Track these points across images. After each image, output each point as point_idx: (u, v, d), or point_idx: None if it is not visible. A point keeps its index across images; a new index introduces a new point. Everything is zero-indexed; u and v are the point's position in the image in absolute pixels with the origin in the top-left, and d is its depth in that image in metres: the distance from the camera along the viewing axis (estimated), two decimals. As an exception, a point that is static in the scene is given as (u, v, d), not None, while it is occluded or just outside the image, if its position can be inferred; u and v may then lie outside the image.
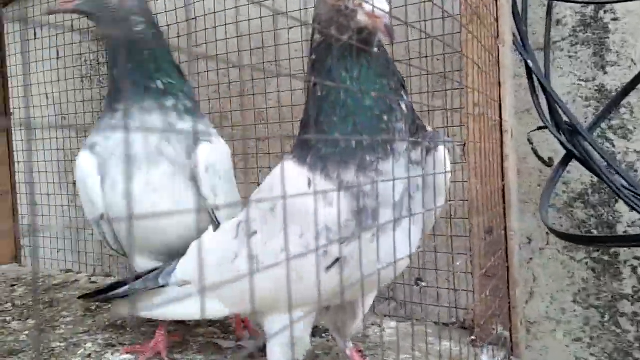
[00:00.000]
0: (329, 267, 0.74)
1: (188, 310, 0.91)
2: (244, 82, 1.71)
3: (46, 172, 2.21)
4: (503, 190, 1.02)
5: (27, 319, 1.28)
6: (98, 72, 2.19)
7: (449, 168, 0.84)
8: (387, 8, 0.67)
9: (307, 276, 0.70)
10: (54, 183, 2.20)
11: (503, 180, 1.02)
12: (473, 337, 1.06)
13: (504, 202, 1.03)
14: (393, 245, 0.70)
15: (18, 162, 2.24)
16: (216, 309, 0.87)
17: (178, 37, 1.80)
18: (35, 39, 2.19)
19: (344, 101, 0.74)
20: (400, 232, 0.74)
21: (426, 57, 1.25)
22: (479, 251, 1.02)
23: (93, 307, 1.36)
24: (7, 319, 1.29)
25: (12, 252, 2.19)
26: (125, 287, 1.04)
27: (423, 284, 1.34)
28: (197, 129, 1.12)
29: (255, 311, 0.85)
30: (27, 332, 1.18)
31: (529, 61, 1.31)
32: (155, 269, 1.01)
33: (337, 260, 0.74)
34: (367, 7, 0.67)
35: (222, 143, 1.14)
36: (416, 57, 1.35)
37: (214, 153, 1.07)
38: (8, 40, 2.23)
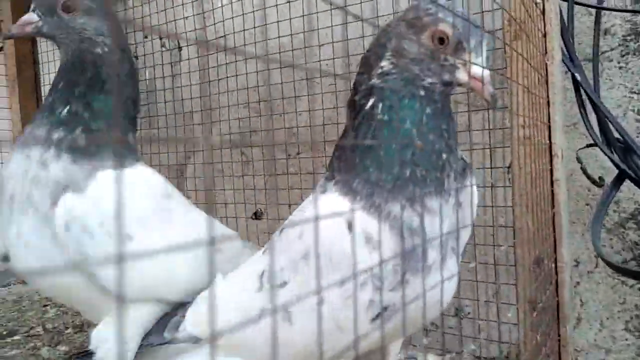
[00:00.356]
0: (374, 319, 0.67)
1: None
2: (272, 100, 1.68)
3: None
4: (553, 219, 0.94)
5: (58, 345, 1.27)
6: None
7: (475, 202, 0.79)
8: (489, 73, 0.69)
9: (348, 327, 0.64)
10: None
11: (553, 207, 0.94)
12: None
13: (554, 231, 0.95)
14: (441, 287, 0.64)
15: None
16: None
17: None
18: (67, 57, 2.22)
19: (409, 130, 0.70)
20: (445, 272, 0.68)
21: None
22: (525, 282, 0.95)
23: (122, 333, 1.34)
24: (38, 344, 1.28)
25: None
26: None
27: (463, 314, 1.27)
28: (60, 175, 0.88)
29: None
30: (56, 360, 1.17)
31: (576, 74, 1.23)
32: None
33: (385, 309, 0.68)
34: (475, 70, 0.68)
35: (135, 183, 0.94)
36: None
37: (83, 205, 0.86)
38: (41, 59, 2.26)
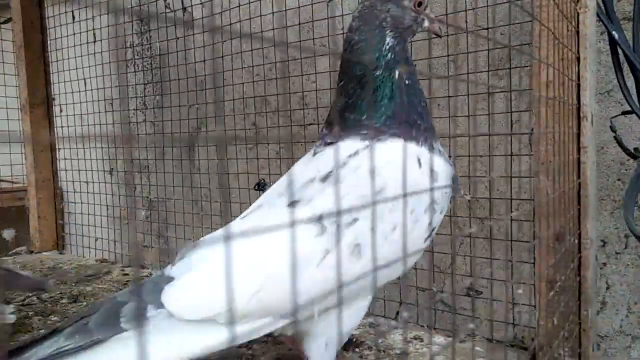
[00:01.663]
0: (427, 238, 0.81)
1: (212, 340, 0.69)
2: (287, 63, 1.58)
3: (90, 159, 2.19)
4: (579, 190, 0.83)
5: (50, 315, 1.23)
6: (142, 55, 2.12)
7: None
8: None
9: (412, 249, 0.77)
10: (97, 170, 2.18)
11: (579, 177, 0.83)
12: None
13: (579, 204, 0.85)
14: None
15: (59, 149, 2.23)
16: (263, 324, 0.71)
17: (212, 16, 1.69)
18: (73, 22, 2.16)
19: (421, 89, 0.89)
20: None
21: (487, 28, 1.07)
22: (547, 261, 0.85)
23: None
24: (30, 313, 1.24)
25: (54, 239, 2.19)
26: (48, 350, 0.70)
27: (474, 293, 1.17)
28: None
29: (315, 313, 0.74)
30: (44, 331, 1.12)
31: (613, 32, 1.10)
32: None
33: (433, 229, 0.82)
34: (432, 16, 0.91)
35: None
36: (473, 30, 1.17)
37: None
38: (48, 24, 2.20)
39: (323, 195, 0.77)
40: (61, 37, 2.19)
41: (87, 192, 2.18)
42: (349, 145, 0.82)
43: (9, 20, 2.37)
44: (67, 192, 2.29)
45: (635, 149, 1.25)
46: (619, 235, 1.35)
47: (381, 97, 0.85)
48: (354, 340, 0.96)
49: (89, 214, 2.17)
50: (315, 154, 0.88)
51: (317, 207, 0.76)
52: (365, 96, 0.85)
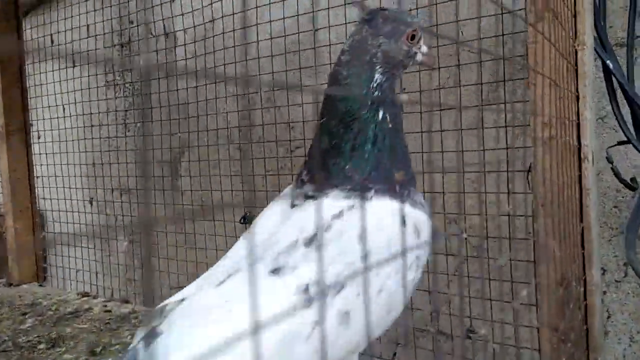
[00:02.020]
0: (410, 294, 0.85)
1: None
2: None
3: (69, 188, 2.11)
4: (582, 234, 0.80)
5: (25, 365, 1.16)
6: (123, 79, 2.06)
7: None
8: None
9: (397, 308, 0.77)
10: (77, 200, 2.11)
11: (582, 221, 0.79)
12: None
13: (583, 249, 0.81)
14: None
15: (37, 177, 2.16)
16: None
17: (194, 42, 1.65)
18: (52, 45, 2.09)
19: (402, 133, 0.86)
20: None
21: (480, 62, 1.03)
22: (549, 306, 0.81)
23: (98, 350, 1.23)
24: None
25: (34, 271, 2.11)
26: None
27: (476, 335, 1.13)
28: None
29: None
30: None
31: (607, 61, 1.07)
32: None
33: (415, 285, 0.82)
34: (424, 49, 0.86)
35: None
36: (467, 63, 1.13)
37: None
38: (27, 48, 2.14)
39: (307, 263, 0.73)
40: (39, 62, 2.12)
41: (67, 222, 2.10)
42: (332, 204, 0.78)
43: None
44: (47, 221, 2.21)
45: (631, 179, 1.22)
46: (618, 264, 1.32)
47: (365, 141, 0.80)
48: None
49: (69, 245, 2.09)
50: (293, 206, 0.82)
51: (302, 276, 0.72)
52: (348, 139, 0.80)
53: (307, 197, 0.81)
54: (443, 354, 1.15)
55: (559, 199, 0.78)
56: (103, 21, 1.92)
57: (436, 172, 1.13)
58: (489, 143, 1.16)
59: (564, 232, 0.79)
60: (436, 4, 1.14)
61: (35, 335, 1.35)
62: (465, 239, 1.14)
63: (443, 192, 1.21)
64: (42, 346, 1.28)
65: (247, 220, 1.44)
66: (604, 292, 1.33)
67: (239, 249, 0.82)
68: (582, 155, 0.79)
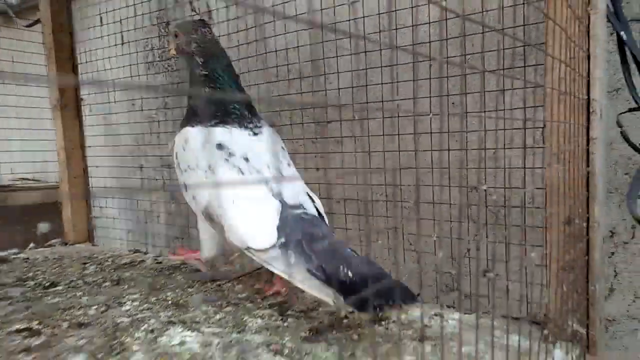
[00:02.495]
0: None
1: None
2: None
3: (120, 156, 2.29)
4: (587, 178, 0.92)
5: (96, 295, 1.33)
6: (163, 58, 2.23)
7: None
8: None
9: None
10: (127, 167, 2.29)
11: (588, 166, 0.92)
12: (546, 332, 0.98)
13: (588, 191, 0.93)
14: None
15: (89, 146, 2.34)
16: None
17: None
18: (101, 25, 2.27)
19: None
20: None
21: (502, 29, 1.15)
22: (557, 243, 0.93)
23: (158, 286, 1.39)
24: (78, 294, 1.35)
25: (86, 233, 2.30)
26: None
27: (491, 275, 1.26)
28: None
29: None
30: (95, 307, 1.23)
31: (621, 32, 1.18)
32: None
33: None
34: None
35: None
36: (489, 30, 1.26)
37: None
38: (76, 27, 2.31)
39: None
40: (89, 40, 2.30)
41: (118, 188, 2.28)
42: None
43: (37, 22, 2.48)
44: (98, 187, 2.40)
45: (641, 143, 1.33)
46: (626, 227, 1.43)
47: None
48: (380, 314, 1.06)
49: (119, 209, 2.27)
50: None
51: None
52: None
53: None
54: (462, 292, 1.29)
55: (570, 148, 0.91)
56: (142, 3, 2.08)
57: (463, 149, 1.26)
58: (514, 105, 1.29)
59: (572, 177, 0.92)
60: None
61: (100, 277, 1.53)
62: (485, 190, 1.27)
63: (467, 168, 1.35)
64: (107, 284, 1.45)
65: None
66: (612, 253, 1.44)
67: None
68: (590, 109, 0.92)
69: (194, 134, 1.22)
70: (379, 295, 0.84)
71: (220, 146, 1.18)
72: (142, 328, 1.06)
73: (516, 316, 1.13)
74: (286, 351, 0.92)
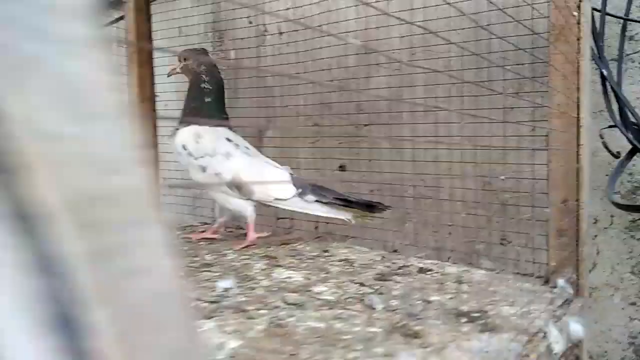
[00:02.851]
0: None
1: None
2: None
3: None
4: (577, 171, 1.33)
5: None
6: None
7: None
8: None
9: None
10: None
11: (578, 163, 1.33)
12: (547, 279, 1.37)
13: (577, 181, 1.34)
14: None
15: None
16: None
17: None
18: (179, 35, 2.64)
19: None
20: None
21: (509, 65, 1.57)
22: (556, 217, 1.34)
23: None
24: (201, 243, 1.65)
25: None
26: None
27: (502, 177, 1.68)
28: None
29: None
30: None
31: (603, 70, 1.58)
32: None
33: None
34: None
35: None
36: (499, 65, 1.67)
37: None
38: (155, 36, 2.66)
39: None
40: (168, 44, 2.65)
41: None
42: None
43: (120, 18, 2.75)
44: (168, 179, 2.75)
45: (617, 151, 1.74)
46: (607, 215, 1.79)
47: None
48: (422, 267, 1.45)
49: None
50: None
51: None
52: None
53: None
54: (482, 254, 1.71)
55: (565, 150, 1.31)
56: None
57: (476, 148, 1.68)
58: (523, 118, 1.70)
59: (566, 170, 1.32)
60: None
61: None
62: (503, 179, 1.68)
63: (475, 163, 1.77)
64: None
65: (343, 169, 2.00)
66: (595, 236, 1.84)
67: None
68: (579, 123, 1.33)
69: (205, 130, 1.60)
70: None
71: (228, 139, 1.58)
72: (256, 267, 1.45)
73: (525, 273, 1.54)
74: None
